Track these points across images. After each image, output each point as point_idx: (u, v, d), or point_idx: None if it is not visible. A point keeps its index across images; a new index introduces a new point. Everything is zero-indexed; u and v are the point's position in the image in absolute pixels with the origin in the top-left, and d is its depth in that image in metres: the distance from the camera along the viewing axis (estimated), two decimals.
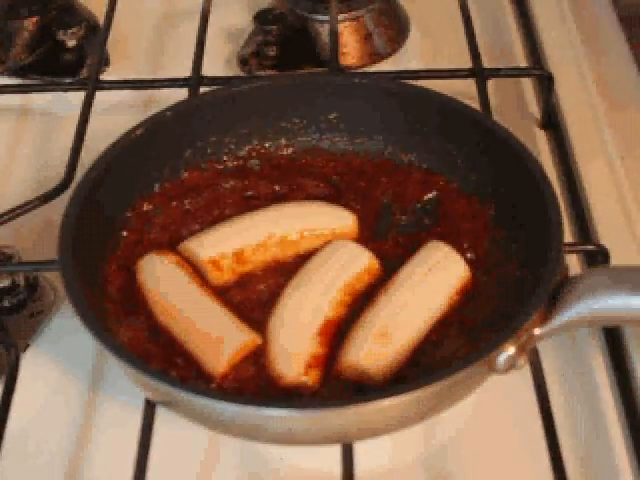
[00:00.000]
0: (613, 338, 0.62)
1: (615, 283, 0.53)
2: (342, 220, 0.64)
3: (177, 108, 0.66)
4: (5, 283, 0.64)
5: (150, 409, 0.54)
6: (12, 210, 0.65)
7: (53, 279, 0.66)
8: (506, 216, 0.62)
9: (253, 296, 0.60)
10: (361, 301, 0.59)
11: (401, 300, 0.57)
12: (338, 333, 0.57)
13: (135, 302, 0.59)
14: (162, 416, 0.54)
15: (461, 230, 0.63)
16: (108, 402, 0.60)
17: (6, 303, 0.64)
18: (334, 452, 0.52)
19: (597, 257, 0.62)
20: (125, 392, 0.60)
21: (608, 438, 0.58)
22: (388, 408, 0.50)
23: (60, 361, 0.62)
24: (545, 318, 0.53)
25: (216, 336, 0.56)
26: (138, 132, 0.63)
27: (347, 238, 0.63)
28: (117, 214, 0.63)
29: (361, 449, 0.52)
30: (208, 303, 0.58)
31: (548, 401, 0.54)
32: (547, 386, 0.55)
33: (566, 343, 0.62)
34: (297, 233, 0.62)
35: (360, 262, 0.60)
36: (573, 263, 0.66)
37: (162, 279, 0.60)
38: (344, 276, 0.59)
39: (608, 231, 0.66)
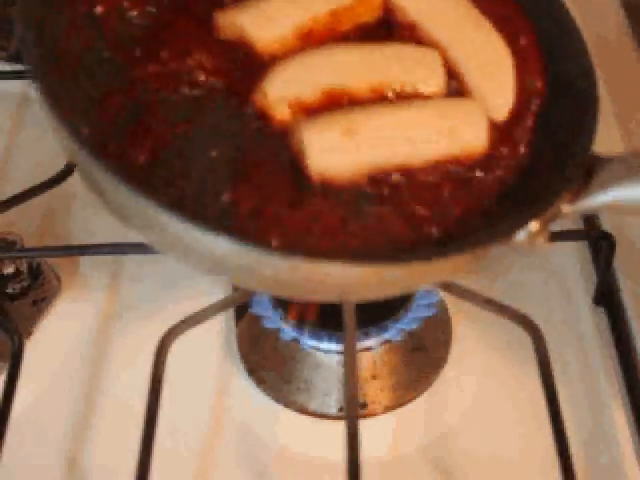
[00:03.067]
0: (619, 325, 0.62)
1: None
2: None
3: None
4: (8, 270, 0.63)
5: (154, 395, 0.54)
6: (14, 197, 0.64)
7: (56, 266, 0.66)
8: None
9: None
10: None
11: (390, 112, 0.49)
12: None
13: None
14: (166, 407, 0.54)
15: None
16: (111, 388, 0.60)
17: (9, 290, 0.64)
18: (337, 441, 0.52)
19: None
20: (128, 378, 0.60)
21: (613, 427, 0.58)
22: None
23: (63, 348, 0.62)
24: (575, 196, 0.48)
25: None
26: None
27: None
28: None
29: (363, 438, 0.52)
30: None
31: (553, 384, 0.54)
32: (552, 372, 0.55)
33: (570, 325, 0.62)
34: None
35: None
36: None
37: None
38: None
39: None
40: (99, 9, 0.52)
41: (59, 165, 0.66)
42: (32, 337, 0.63)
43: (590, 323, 0.63)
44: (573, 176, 0.48)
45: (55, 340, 0.63)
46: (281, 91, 0.49)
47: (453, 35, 0.53)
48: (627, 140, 0.72)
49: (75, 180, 0.66)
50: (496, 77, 0.52)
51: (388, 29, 0.54)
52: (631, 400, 0.58)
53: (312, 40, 0.52)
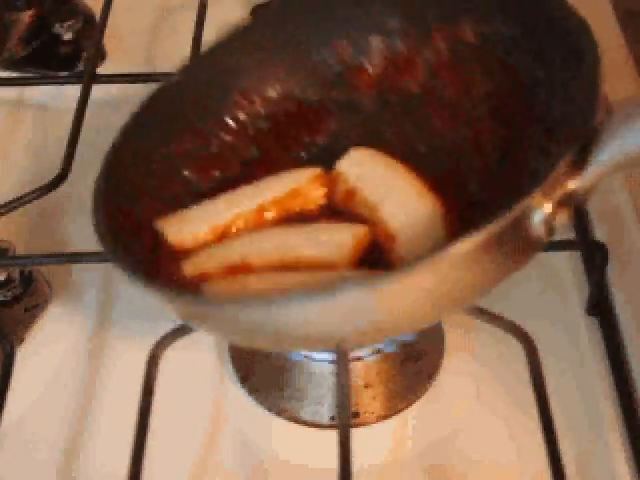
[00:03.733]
0: (612, 336, 0.62)
1: None
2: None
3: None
4: (0, 277, 0.63)
5: (146, 404, 0.54)
6: (8, 203, 0.64)
7: (48, 273, 0.66)
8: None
9: None
10: None
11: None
12: None
13: None
14: (158, 416, 0.54)
15: None
16: (103, 396, 0.60)
17: (1, 297, 0.63)
18: (330, 450, 0.52)
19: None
20: (120, 386, 0.60)
21: (606, 437, 0.57)
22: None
23: (55, 355, 0.62)
24: (579, 167, 0.46)
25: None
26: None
27: None
28: None
29: (355, 447, 0.52)
30: None
31: (546, 395, 0.54)
32: (545, 382, 0.55)
33: (563, 335, 0.62)
34: None
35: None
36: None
37: None
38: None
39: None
40: None
41: (52, 172, 0.66)
42: (24, 344, 0.62)
43: (583, 333, 0.63)
44: (570, 142, 0.45)
45: (47, 347, 0.63)
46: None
47: (384, 194, 0.54)
48: None
49: (68, 187, 0.66)
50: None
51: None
52: (624, 410, 0.58)
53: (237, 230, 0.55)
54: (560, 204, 0.45)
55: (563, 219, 0.46)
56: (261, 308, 0.46)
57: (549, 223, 0.45)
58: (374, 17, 0.60)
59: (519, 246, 0.46)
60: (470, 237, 0.44)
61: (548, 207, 0.45)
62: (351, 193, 0.55)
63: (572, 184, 0.46)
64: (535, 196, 0.44)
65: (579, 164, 0.46)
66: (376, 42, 0.60)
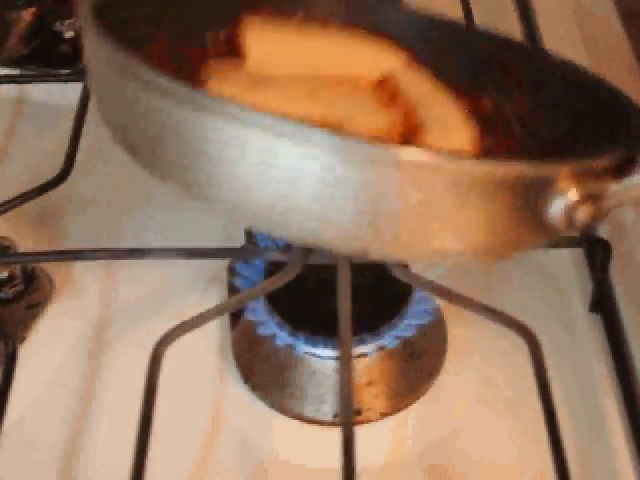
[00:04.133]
0: (615, 333, 0.62)
1: None
2: None
3: None
4: (2, 275, 0.63)
5: (148, 403, 0.54)
6: (9, 201, 0.64)
7: (50, 271, 0.66)
8: None
9: None
10: None
11: None
12: None
13: None
14: (160, 413, 0.54)
15: None
16: (105, 394, 0.60)
17: (2, 295, 0.63)
18: (333, 447, 0.52)
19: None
20: (122, 384, 0.60)
21: (610, 434, 0.57)
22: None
23: (57, 353, 0.62)
24: (621, 173, 0.43)
25: None
26: None
27: None
28: None
29: (358, 444, 0.52)
30: None
31: (549, 392, 0.54)
32: (548, 378, 0.55)
33: (566, 332, 0.62)
34: None
35: None
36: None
37: None
38: None
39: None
40: None
41: (54, 169, 0.66)
42: (25, 342, 0.62)
43: (586, 330, 0.63)
44: (619, 141, 0.44)
45: (49, 345, 0.62)
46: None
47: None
48: None
49: (70, 185, 0.66)
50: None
51: None
52: (627, 406, 0.58)
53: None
54: (588, 199, 0.42)
55: (584, 217, 0.42)
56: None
57: (570, 212, 0.42)
58: None
59: (532, 218, 0.43)
60: (491, 162, 0.41)
61: (574, 195, 0.42)
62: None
63: (609, 185, 0.43)
64: (568, 171, 0.42)
65: (625, 169, 0.44)
66: None
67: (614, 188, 0.43)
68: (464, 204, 0.42)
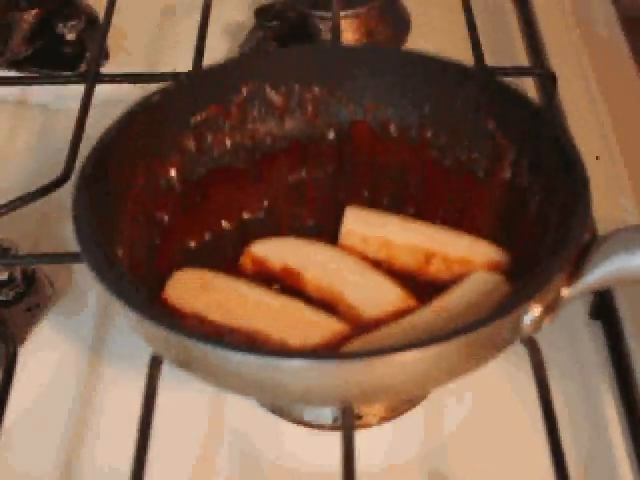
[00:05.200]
0: (615, 339, 0.62)
1: None
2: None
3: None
4: (2, 276, 0.63)
5: (147, 407, 0.54)
6: (10, 202, 0.64)
7: (50, 272, 0.66)
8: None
9: None
10: None
11: None
12: None
13: None
14: (159, 415, 0.54)
15: None
16: (105, 395, 0.60)
17: (3, 296, 0.63)
18: (333, 452, 0.52)
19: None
20: (123, 387, 0.60)
21: (610, 440, 0.57)
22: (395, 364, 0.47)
23: (57, 355, 0.62)
24: (573, 278, 0.50)
25: None
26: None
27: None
28: None
29: (358, 449, 0.52)
30: None
31: (550, 398, 0.54)
32: (549, 384, 0.55)
33: (567, 339, 0.62)
34: None
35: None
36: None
37: None
38: None
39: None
40: None
41: (55, 171, 0.66)
42: (26, 344, 0.62)
43: (587, 337, 0.62)
44: (567, 257, 0.50)
45: (49, 347, 0.62)
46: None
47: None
48: (624, 148, 0.73)
49: (71, 187, 0.66)
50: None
51: None
52: (628, 413, 0.58)
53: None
54: (548, 308, 0.50)
55: (547, 320, 0.50)
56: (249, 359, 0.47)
57: (537, 324, 0.50)
58: None
59: (502, 341, 0.50)
60: (461, 333, 0.47)
61: (537, 310, 0.49)
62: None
63: (564, 292, 0.51)
64: (532, 302, 0.49)
65: (574, 274, 0.51)
66: None
67: (568, 292, 0.51)
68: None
